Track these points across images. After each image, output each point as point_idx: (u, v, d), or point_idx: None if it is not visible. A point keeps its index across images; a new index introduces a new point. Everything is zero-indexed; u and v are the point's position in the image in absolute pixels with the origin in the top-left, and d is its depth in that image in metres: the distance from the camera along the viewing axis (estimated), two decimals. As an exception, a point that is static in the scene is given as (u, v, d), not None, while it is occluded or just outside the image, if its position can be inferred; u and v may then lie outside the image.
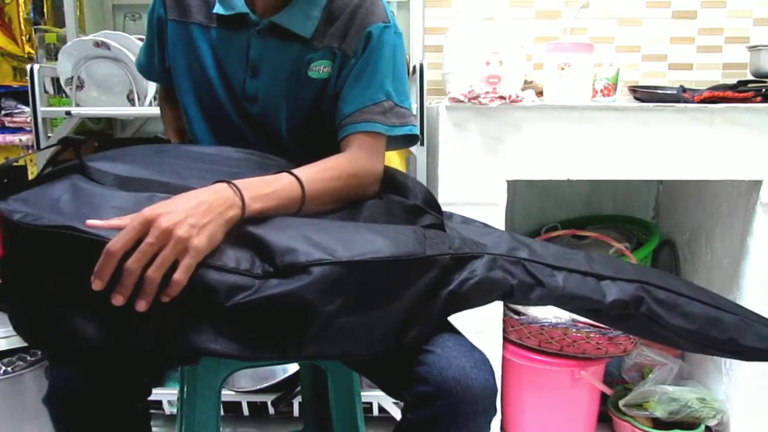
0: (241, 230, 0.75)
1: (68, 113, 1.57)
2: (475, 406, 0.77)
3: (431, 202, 0.94)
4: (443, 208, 0.98)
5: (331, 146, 0.99)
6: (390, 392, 0.89)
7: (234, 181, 0.78)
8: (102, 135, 1.92)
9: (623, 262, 0.91)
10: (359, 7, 0.99)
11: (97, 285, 0.66)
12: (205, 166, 0.89)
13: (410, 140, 1.04)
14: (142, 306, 0.67)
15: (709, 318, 0.85)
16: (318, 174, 0.88)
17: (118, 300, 0.67)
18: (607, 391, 1.67)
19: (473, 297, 0.81)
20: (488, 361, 0.81)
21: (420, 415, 0.78)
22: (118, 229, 0.69)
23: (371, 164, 0.96)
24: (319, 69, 1.00)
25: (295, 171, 0.86)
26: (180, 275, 0.68)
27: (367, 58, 0.98)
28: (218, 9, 1.00)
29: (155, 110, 1.52)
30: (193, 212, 0.71)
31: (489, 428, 0.81)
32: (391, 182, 0.99)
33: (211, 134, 1.05)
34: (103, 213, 0.72)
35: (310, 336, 0.71)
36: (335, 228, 0.79)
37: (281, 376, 1.71)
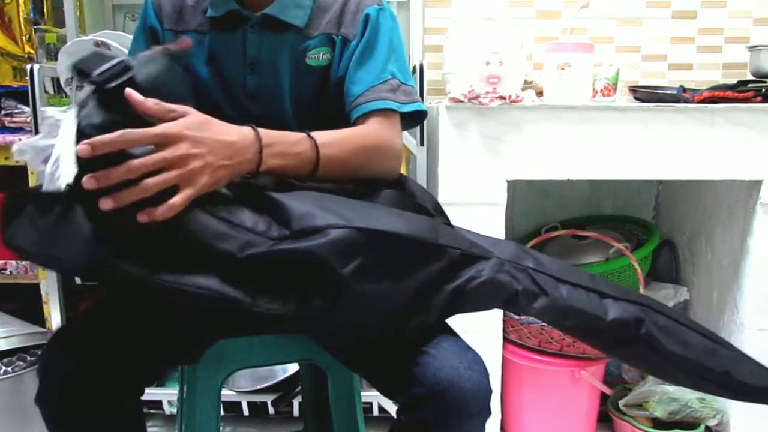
0: (261, 195, 0.76)
1: (68, 113, 1.57)
2: (468, 408, 0.76)
3: (440, 212, 0.94)
4: (443, 209, 0.99)
5: None
6: (385, 393, 0.88)
7: (260, 132, 0.80)
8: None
9: (626, 288, 0.89)
10: None
11: (86, 150, 0.66)
12: None
13: (419, 118, 1.05)
14: (108, 204, 0.66)
15: (706, 348, 0.84)
16: (336, 140, 0.89)
17: (91, 183, 0.66)
18: (607, 391, 1.67)
19: (477, 297, 0.80)
20: (483, 362, 0.80)
21: (413, 417, 0.78)
22: (153, 114, 0.71)
23: (391, 138, 0.97)
24: (318, 56, 1.01)
25: (314, 134, 0.87)
26: (179, 199, 0.69)
27: (368, 40, 0.99)
28: (211, 12, 1.01)
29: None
30: (215, 150, 0.73)
31: (483, 430, 0.80)
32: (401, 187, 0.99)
33: None
34: None
35: (316, 295, 0.71)
36: (353, 203, 0.79)
37: (281, 376, 1.71)
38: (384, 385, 0.86)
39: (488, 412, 0.79)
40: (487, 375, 0.79)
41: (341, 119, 1.02)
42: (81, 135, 0.68)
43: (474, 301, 0.80)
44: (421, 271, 0.76)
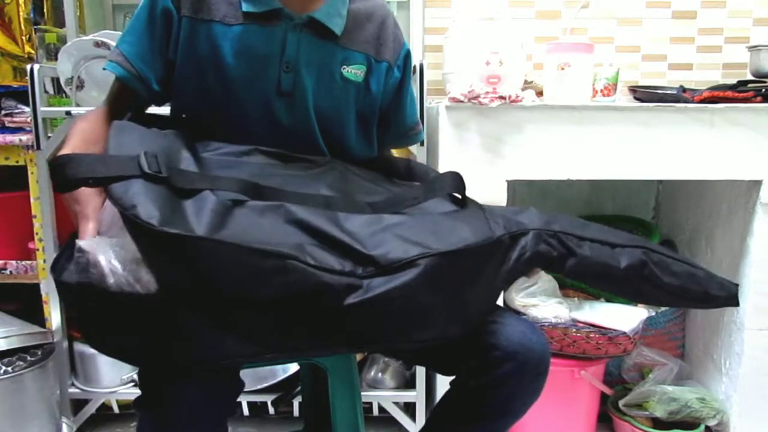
0: (334, 239, 0.76)
1: (68, 113, 1.57)
2: (538, 366, 0.89)
3: (461, 187, 0.97)
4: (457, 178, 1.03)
5: (357, 148, 1.09)
6: (442, 369, 0.99)
7: None
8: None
9: (621, 232, 0.98)
10: (386, 17, 1.08)
11: None
12: (302, 173, 0.94)
13: None
14: None
15: (688, 274, 0.95)
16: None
17: None
18: (607, 391, 1.67)
19: (523, 270, 0.89)
20: (538, 328, 0.94)
21: (486, 378, 0.88)
22: None
23: None
24: (356, 72, 1.05)
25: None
26: None
27: (408, 76, 1.12)
28: (248, 7, 0.98)
29: (155, 110, 1.52)
30: None
31: (543, 386, 0.92)
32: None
33: (217, 134, 0.99)
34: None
35: (426, 324, 0.79)
36: (419, 223, 0.84)
37: (281, 376, 1.71)
38: (442, 361, 0.96)
39: (548, 372, 0.91)
40: (546, 338, 0.92)
41: (361, 135, 1.10)
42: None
43: (520, 273, 0.90)
44: (488, 266, 0.84)
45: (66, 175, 0.70)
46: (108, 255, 0.70)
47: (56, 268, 0.76)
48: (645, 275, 0.92)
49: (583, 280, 0.98)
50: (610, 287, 1.00)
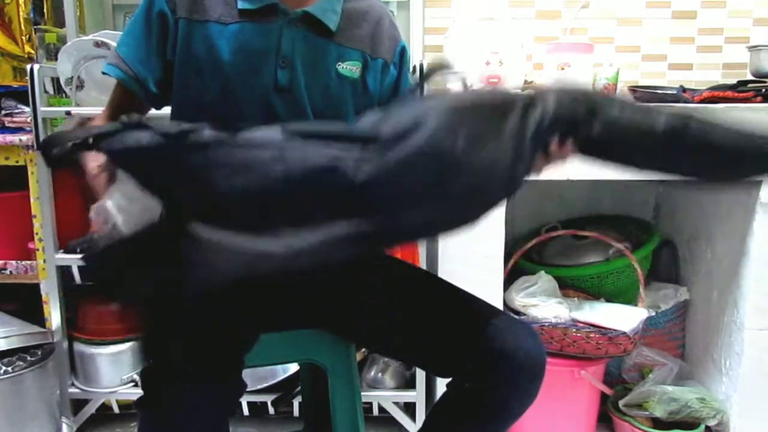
0: (336, 133, 0.74)
1: (68, 113, 1.57)
2: (534, 368, 0.89)
3: None
4: None
5: None
6: (439, 371, 0.98)
7: None
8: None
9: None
10: (382, 16, 1.08)
11: None
12: None
13: None
14: None
15: (741, 131, 0.78)
16: None
17: None
18: (607, 391, 1.67)
19: (550, 132, 0.79)
20: (535, 330, 0.96)
21: (485, 380, 0.88)
22: None
23: None
24: (351, 68, 1.05)
25: None
26: None
27: (405, 73, 1.11)
28: (244, 4, 0.98)
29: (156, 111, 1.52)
30: None
31: (539, 389, 0.92)
32: None
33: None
34: None
35: (453, 178, 0.73)
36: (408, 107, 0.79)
37: (281, 376, 1.71)
38: (439, 363, 0.96)
39: (544, 373, 0.90)
40: (541, 341, 0.92)
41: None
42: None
43: (547, 136, 0.79)
44: (507, 122, 0.75)
45: (53, 148, 0.72)
46: (113, 197, 0.74)
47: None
48: (690, 134, 0.77)
49: (612, 149, 0.83)
50: (644, 157, 0.86)
